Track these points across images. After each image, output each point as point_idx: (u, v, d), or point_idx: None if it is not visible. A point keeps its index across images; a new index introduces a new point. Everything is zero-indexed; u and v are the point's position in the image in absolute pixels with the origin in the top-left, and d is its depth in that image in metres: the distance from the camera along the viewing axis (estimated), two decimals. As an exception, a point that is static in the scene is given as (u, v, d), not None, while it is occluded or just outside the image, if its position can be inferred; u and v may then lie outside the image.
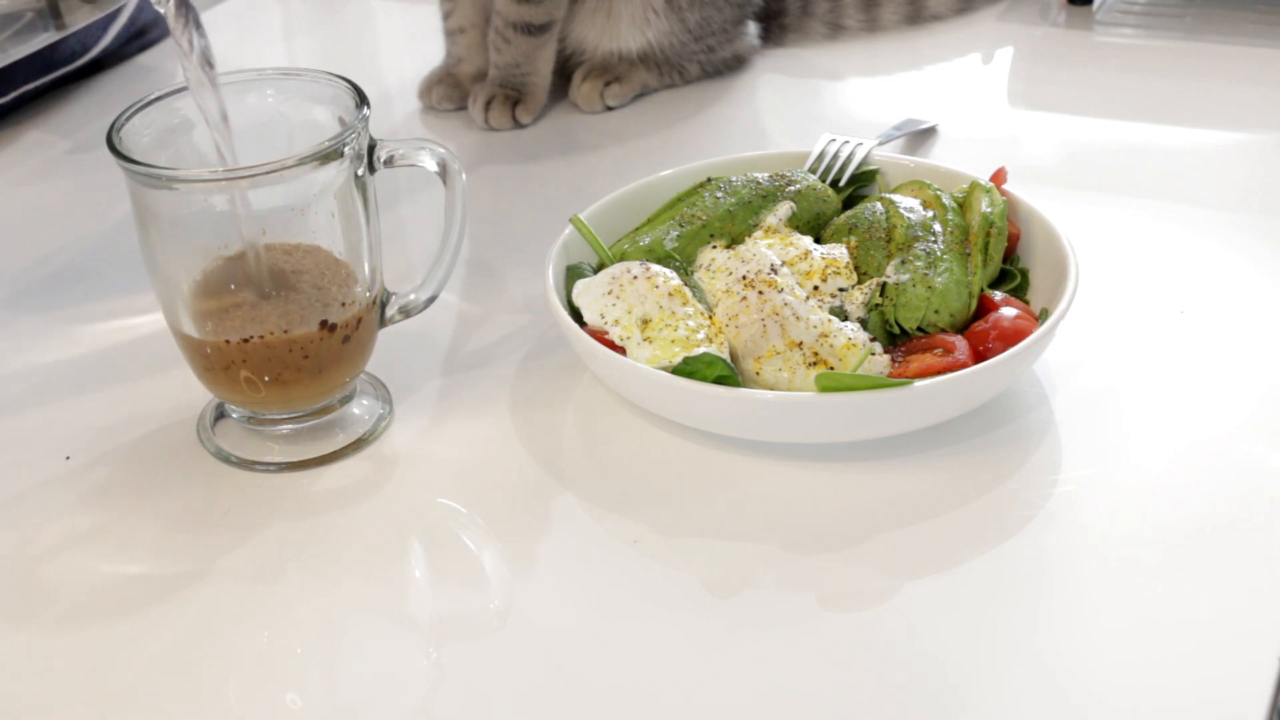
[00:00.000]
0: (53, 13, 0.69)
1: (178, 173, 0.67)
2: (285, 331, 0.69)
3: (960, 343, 0.71)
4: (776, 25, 1.17)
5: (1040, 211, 0.78)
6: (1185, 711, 0.57)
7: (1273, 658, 0.58)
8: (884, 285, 0.74)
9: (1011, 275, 0.78)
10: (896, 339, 0.74)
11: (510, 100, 1.05)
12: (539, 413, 0.76)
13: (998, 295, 0.75)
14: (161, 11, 0.68)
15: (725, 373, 0.68)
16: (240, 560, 0.67)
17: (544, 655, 0.61)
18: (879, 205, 0.78)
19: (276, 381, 0.70)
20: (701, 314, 0.73)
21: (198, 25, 0.68)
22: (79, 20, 0.70)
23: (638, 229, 0.80)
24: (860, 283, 0.75)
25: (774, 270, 0.73)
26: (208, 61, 0.69)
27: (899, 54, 1.16)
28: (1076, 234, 0.76)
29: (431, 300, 0.75)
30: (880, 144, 0.90)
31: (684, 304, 0.73)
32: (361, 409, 0.76)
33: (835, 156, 0.86)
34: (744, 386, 0.69)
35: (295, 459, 0.72)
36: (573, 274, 0.77)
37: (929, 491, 0.69)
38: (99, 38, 1.14)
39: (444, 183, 0.73)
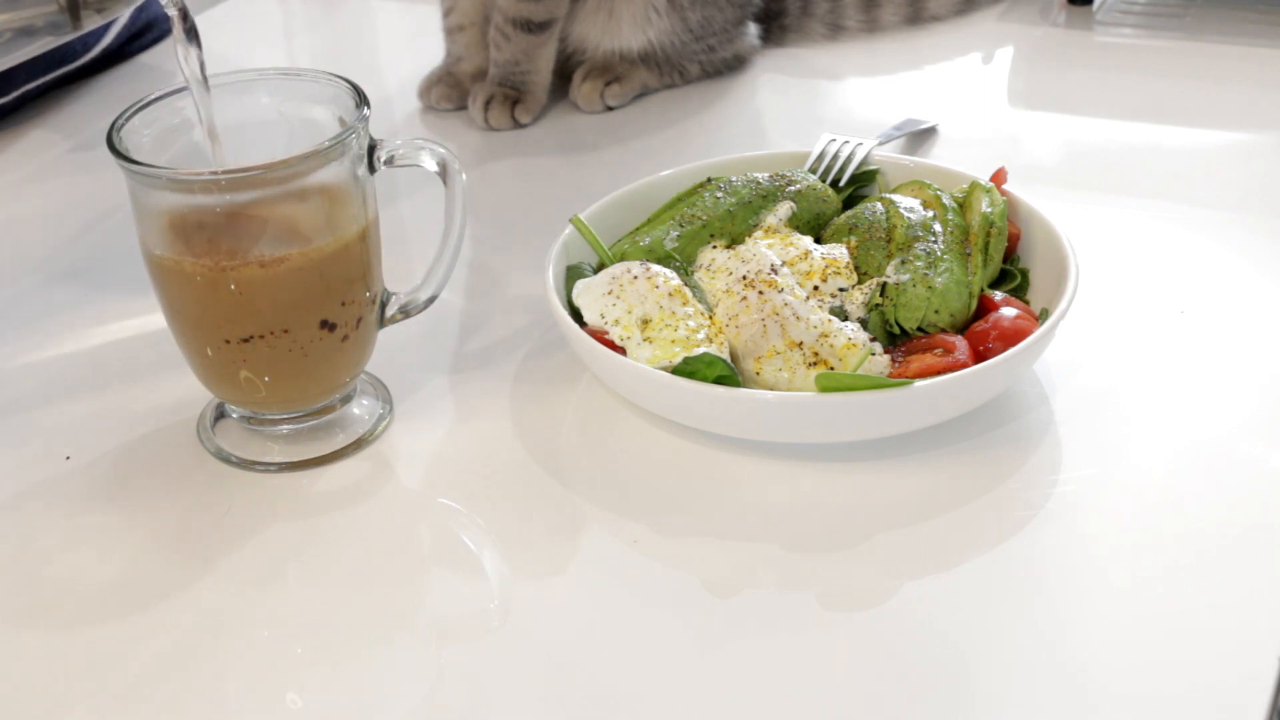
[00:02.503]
0: (72, 15, 0.69)
1: (178, 173, 0.67)
2: (285, 331, 0.69)
3: (960, 343, 0.71)
4: (776, 25, 1.17)
5: (1040, 211, 0.78)
6: (1185, 711, 0.57)
7: (1273, 658, 0.58)
8: (884, 285, 0.74)
9: (1011, 275, 0.78)
10: (896, 339, 0.74)
11: (510, 100, 1.05)
12: (539, 413, 0.76)
13: (998, 295, 0.75)
14: (171, 14, 0.68)
15: (725, 373, 0.68)
16: (240, 560, 0.67)
17: (544, 655, 0.61)
18: (879, 205, 0.78)
19: (276, 381, 0.70)
20: (701, 314, 0.73)
21: (194, 36, 0.69)
22: (89, 25, 0.71)
23: (638, 229, 0.80)
24: (860, 283, 0.75)
25: (774, 270, 0.73)
26: (201, 73, 0.69)
27: (899, 54, 1.16)
28: (1076, 234, 0.76)
29: (431, 300, 0.75)
30: (880, 144, 0.90)
31: (684, 304, 0.73)
32: (361, 409, 0.76)
33: (835, 156, 0.86)
34: (744, 386, 0.69)
35: (295, 459, 0.72)
36: (573, 274, 0.77)
37: (929, 491, 0.69)
38: (100, 36, 1.15)
39: (444, 183, 0.73)
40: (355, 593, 0.65)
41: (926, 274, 0.74)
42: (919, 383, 0.67)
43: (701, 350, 0.69)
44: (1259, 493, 0.68)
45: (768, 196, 0.80)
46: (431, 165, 0.72)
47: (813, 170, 0.85)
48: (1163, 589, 0.62)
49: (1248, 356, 0.77)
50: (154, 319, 0.73)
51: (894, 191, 0.81)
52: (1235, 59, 1.11)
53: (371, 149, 0.70)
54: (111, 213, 0.97)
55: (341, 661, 0.62)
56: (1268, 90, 1.07)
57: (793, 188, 0.80)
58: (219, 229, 0.68)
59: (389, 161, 0.71)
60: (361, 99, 0.70)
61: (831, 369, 0.70)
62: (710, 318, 0.73)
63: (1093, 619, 0.61)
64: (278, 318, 0.69)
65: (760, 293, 0.72)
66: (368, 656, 0.61)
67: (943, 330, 0.73)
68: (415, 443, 0.74)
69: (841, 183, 0.85)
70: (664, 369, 0.69)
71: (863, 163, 0.86)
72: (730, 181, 0.80)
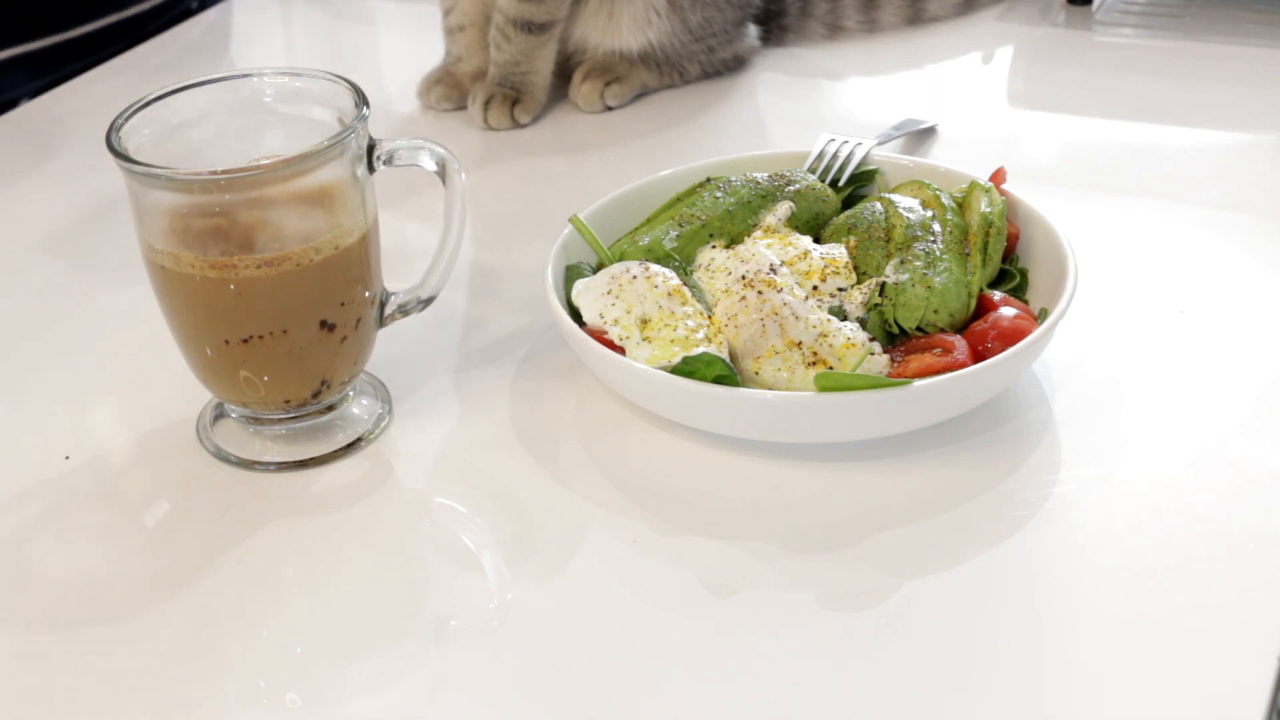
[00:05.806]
0: None
1: (177, 173, 0.67)
2: (284, 331, 0.69)
3: (959, 342, 0.71)
4: (776, 26, 1.17)
5: (1040, 211, 0.78)
6: (1184, 711, 0.57)
7: (1271, 657, 0.58)
8: (883, 285, 0.74)
9: (1011, 275, 0.78)
10: (895, 339, 0.74)
11: (509, 100, 1.05)
12: (538, 412, 0.76)
13: (997, 295, 0.75)
14: None
15: (724, 372, 0.68)
16: (240, 560, 0.67)
17: (544, 655, 0.61)
18: (878, 205, 0.78)
19: (275, 380, 0.71)
20: (700, 314, 0.73)
21: None
22: None
23: (637, 229, 0.80)
24: (859, 282, 0.75)
25: (773, 270, 0.73)
26: None
27: (899, 54, 1.16)
28: (1076, 234, 0.76)
29: (430, 300, 0.75)
30: (880, 144, 0.90)
31: (683, 304, 0.73)
32: (361, 409, 0.76)
33: (835, 156, 0.86)
34: (743, 386, 0.69)
35: (295, 459, 0.72)
36: (572, 274, 0.77)
37: (929, 491, 0.69)
38: None
39: (443, 183, 0.73)
40: (355, 592, 0.65)
41: (925, 274, 0.74)
42: (918, 382, 0.67)
43: (700, 350, 0.69)
44: (1258, 492, 0.68)
45: (767, 196, 0.80)
46: (431, 165, 0.72)
47: (812, 170, 0.85)
48: (1162, 588, 0.62)
49: (1247, 356, 0.77)
50: (154, 319, 0.73)
51: (893, 191, 0.81)
52: (1235, 59, 1.11)
53: (370, 149, 0.70)
54: (111, 212, 0.97)
55: (341, 661, 0.62)
56: (1268, 90, 1.07)
57: (792, 187, 0.80)
58: (219, 229, 0.68)
59: (388, 161, 0.71)
60: (361, 99, 0.70)
61: (830, 369, 0.70)
62: (709, 317, 0.73)
63: (1092, 618, 0.61)
64: (277, 318, 0.69)
65: (759, 292, 0.72)
66: (368, 656, 0.61)
67: (942, 330, 0.73)
68: (415, 442, 0.74)
69: (841, 182, 0.85)
70: (663, 369, 0.69)
71: (862, 162, 0.86)
72: (729, 181, 0.80)
